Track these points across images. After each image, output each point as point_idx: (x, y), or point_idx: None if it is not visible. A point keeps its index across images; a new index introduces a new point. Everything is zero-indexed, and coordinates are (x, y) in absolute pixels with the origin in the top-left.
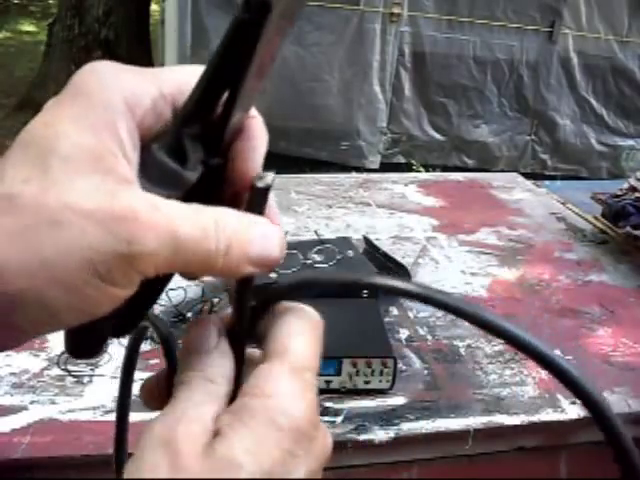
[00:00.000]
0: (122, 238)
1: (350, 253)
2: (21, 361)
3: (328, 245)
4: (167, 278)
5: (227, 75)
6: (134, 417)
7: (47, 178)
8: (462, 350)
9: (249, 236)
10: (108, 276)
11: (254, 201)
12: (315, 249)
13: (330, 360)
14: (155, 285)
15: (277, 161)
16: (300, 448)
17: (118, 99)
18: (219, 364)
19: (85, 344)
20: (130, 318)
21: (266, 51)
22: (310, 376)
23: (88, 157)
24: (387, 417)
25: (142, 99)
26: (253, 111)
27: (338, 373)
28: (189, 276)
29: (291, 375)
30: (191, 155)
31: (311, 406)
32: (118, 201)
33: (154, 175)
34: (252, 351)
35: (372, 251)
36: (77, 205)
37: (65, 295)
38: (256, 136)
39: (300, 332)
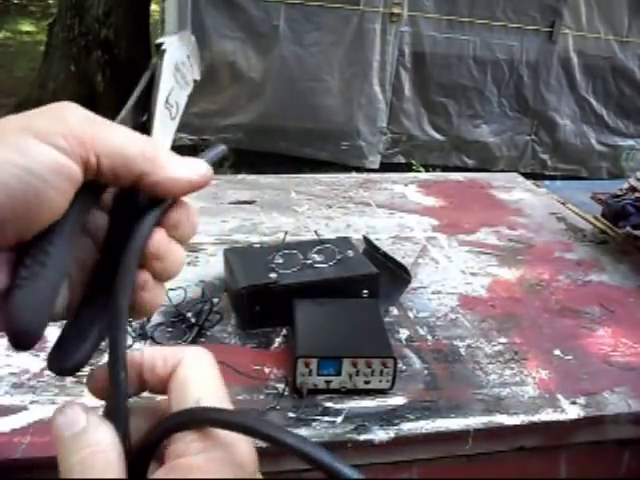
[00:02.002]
0: (58, 109)
1: (350, 253)
2: (21, 361)
3: (328, 245)
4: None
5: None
6: None
7: None
8: (462, 350)
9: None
10: (43, 133)
11: None
12: (315, 249)
13: (330, 360)
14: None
15: (277, 161)
16: None
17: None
18: (100, 435)
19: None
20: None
21: None
22: None
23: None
24: (387, 417)
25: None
26: None
27: (338, 373)
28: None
29: None
30: None
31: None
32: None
33: None
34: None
35: (372, 251)
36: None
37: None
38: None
39: None
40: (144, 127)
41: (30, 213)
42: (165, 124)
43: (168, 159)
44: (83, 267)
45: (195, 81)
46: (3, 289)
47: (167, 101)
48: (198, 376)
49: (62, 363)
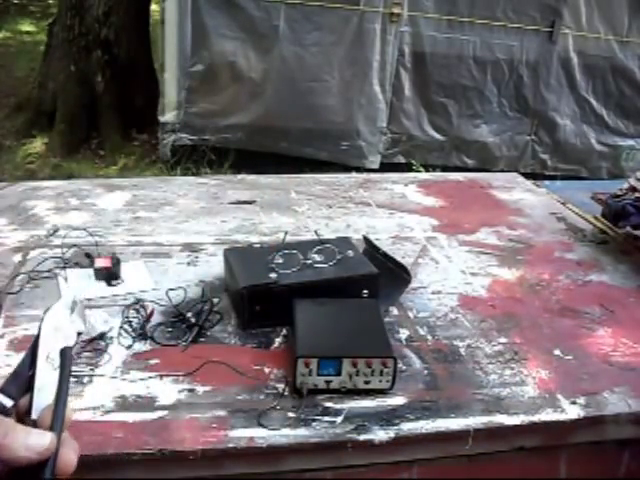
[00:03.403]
0: None
1: (350, 253)
2: None
3: (328, 245)
4: None
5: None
6: (134, 417)
7: None
8: (462, 350)
9: (25, 433)
10: None
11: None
12: (315, 249)
13: (330, 360)
14: None
15: (277, 161)
16: None
17: None
18: None
19: None
20: None
21: None
22: None
23: None
24: (387, 417)
25: None
26: None
27: (338, 373)
28: None
29: None
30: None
31: None
32: None
33: None
34: None
35: (372, 251)
36: None
37: None
38: None
39: None
40: (31, 378)
41: None
42: (48, 375)
43: (13, 443)
44: None
45: (79, 333)
46: None
47: (48, 357)
48: None
49: None
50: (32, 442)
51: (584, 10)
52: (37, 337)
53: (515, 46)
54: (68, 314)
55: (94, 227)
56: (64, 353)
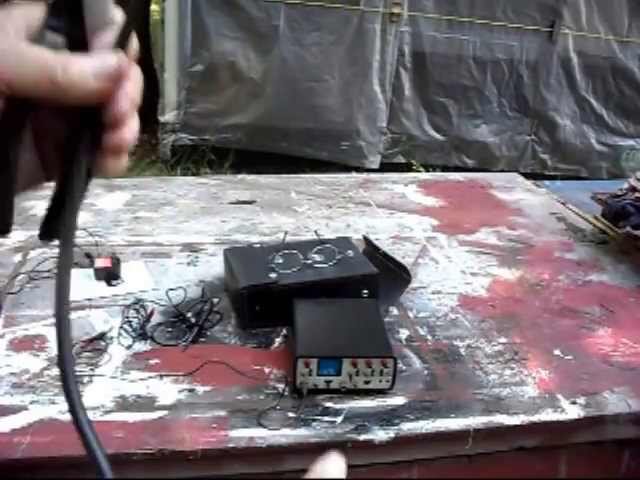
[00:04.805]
0: None
1: (350, 253)
2: (21, 361)
3: (328, 245)
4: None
5: None
6: (134, 417)
7: None
8: (462, 350)
9: (85, 58)
10: None
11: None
12: (315, 249)
13: (330, 360)
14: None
15: (277, 161)
16: None
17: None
18: None
19: None
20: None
21: None
22: None
23: None
24: (387, 417)
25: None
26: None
27: (338, 373)
28: (47, 99)
29: None
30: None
31: None
32: None
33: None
34: None
35: (372, 251)
36: None
37: None
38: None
39: None
40: None
41: None
42: None
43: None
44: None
45: None
46: None
47: None
48: None
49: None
50: (98, 65)
51: (584, 10)
52: None
53: (515, 46)
54: None
55: (94, 227)
56: None
